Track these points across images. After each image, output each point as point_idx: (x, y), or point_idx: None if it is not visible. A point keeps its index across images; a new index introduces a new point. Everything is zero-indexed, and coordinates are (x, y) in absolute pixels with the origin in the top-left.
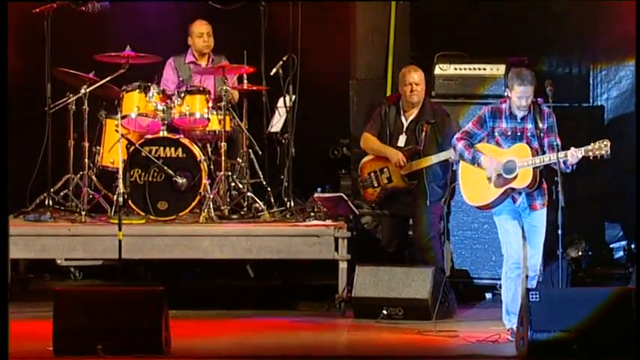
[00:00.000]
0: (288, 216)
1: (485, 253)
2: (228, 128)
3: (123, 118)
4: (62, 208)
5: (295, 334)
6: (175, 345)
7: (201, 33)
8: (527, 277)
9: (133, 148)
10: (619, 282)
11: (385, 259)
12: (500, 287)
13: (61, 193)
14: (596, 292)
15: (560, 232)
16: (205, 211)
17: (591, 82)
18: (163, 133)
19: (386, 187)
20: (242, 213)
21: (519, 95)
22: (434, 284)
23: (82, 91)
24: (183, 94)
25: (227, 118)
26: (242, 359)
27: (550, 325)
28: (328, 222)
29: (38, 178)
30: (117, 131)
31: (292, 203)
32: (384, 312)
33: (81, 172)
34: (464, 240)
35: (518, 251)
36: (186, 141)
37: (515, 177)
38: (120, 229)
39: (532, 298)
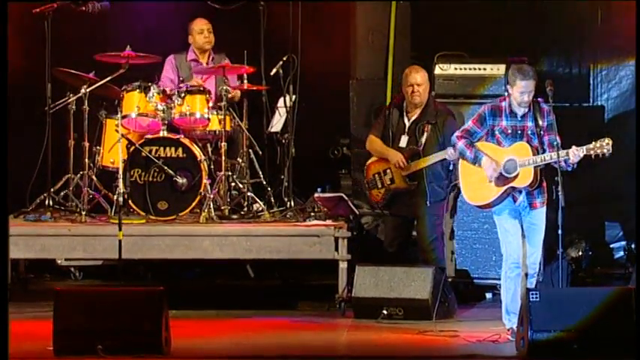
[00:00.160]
0: (288, 216)
1: (486, 253)
2: (228, 128)
3: (123, 118)
4: (62, 208)
5: (295, 334)
6: (175, 345)
7: (201, 29)
8: (526, 275)
9: (133, 148)
10: (619, 282)
11: (386, 259)
12: (500, 287)
13: (61, 193)
14: (596, 292)
15: (560, 231)
16: (205, 211)
17: (591, 82)
18: (163, 133)
19: (389, 188)
20: (242, 213)
21: (521, 90)
22: (434, 284)
23: (82, 91)
24: (183, 94)
25: (227, 118)
26: (242, 359)
27: (550, 325)
28: (328, 222)
29: (38, 178)
30: (117, 131)
31: (292, 203)
32: (385, 312)
33: (81, 172)
34: (464, 240)
35: (517, 251)
36: (186, 141)
37: (516, 176)
38: (120, 229)
39: (532, 298)
